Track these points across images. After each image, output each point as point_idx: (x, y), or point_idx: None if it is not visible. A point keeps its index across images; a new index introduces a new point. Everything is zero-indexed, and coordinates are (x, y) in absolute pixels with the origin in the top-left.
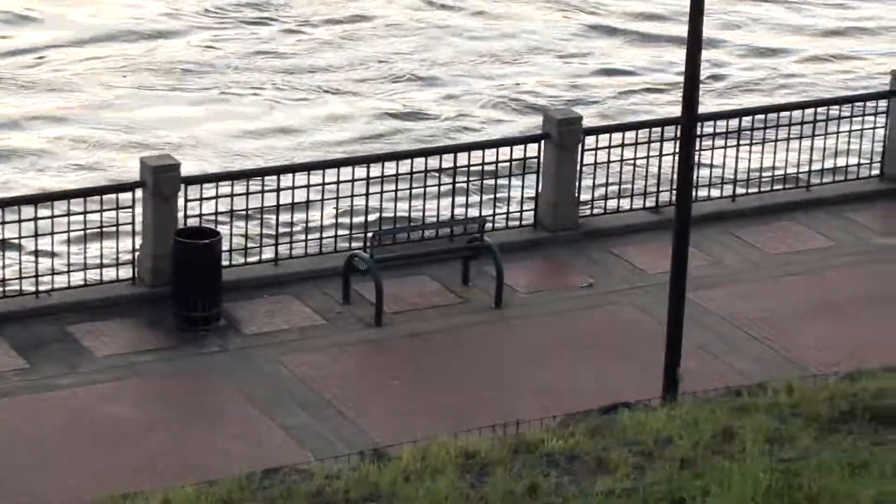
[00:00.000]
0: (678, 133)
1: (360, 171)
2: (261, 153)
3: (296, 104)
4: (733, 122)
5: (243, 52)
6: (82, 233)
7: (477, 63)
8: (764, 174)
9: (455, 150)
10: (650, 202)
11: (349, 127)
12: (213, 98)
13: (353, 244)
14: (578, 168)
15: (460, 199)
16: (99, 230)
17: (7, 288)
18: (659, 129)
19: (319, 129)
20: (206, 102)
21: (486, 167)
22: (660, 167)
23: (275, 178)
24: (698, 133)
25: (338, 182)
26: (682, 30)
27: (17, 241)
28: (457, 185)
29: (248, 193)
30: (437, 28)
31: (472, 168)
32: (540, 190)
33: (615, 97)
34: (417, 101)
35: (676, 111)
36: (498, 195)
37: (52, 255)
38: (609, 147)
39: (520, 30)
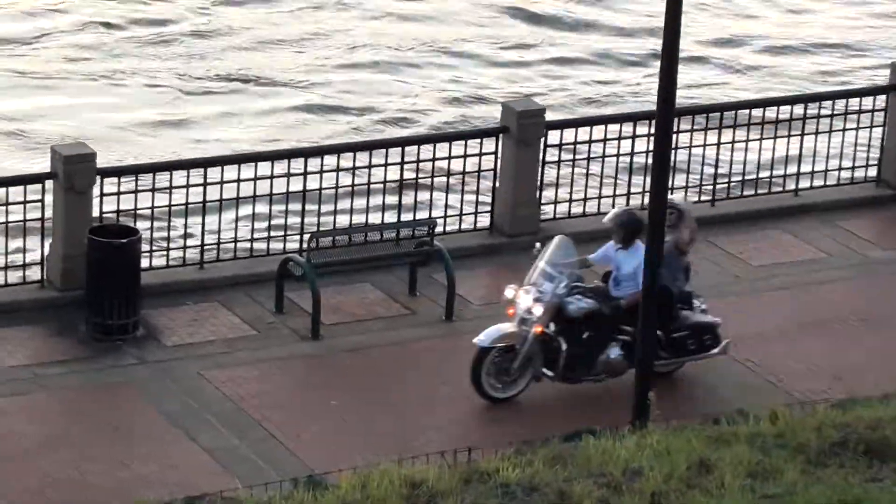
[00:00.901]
0: (653, 129)
1: (297, 166)
2: (178, 146)
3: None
4: (713, 118)
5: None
6: None
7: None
8: (747, 176)
9: (403, 143)
10: (620, 205)
11: (279, 119)
12: (109, 86)
13: (288, 247)
14: (540, 166)
15: (408, 200)
16: (3, 227)
17: None
18: (631, 124)
19: (241, 122)
20: (105, 92)
21: (438, 164)
22: (631, 167)
23: (201, 171)
24: (675, 129)
25: (271, 177)
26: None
27: None
28: (404, 183)
29: (170, 188)
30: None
31: (421, 164)
32: (496, 190)
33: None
34: (354, 89)
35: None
36: (450, 195)
37: None
38: (574, 143)
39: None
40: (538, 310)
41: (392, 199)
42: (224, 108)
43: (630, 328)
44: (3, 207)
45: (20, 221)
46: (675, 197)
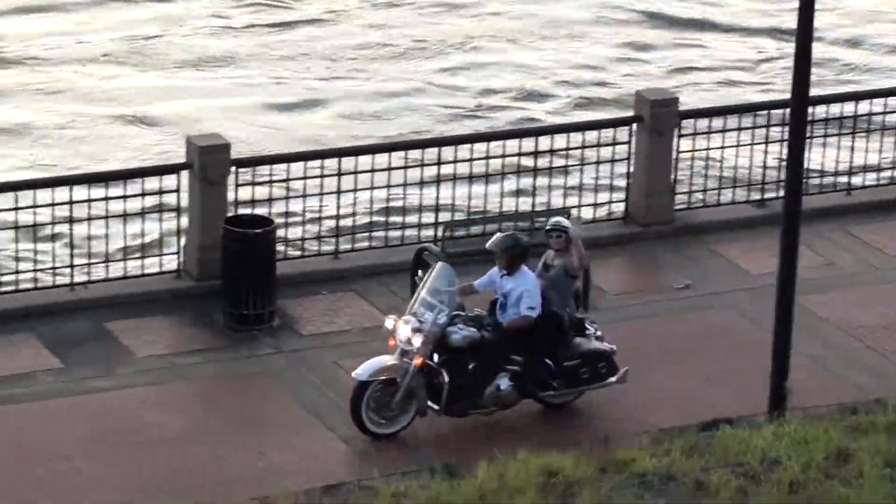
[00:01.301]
0: (787, 118)
1: (431, 155)
2: (315, 137)
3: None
4: (848, 107)
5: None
6: (122, 220)
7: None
8: (883, 164)
9: (537, 133)
10: (755, 195)
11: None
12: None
13: (423, 236)
14: (674, 156)
15: (542, 189)
16: (140, 217)
17: (39, 279)
18: (765, 112)
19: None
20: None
21: (572, 153)
22: (766, 156)
23: (335, 161)
24: (810, 118)
25: (405, 167)
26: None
27: (49, 227)
28: (538, 172)
29: (305, 178)
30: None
31: (555, 154)
32: (631, 180)
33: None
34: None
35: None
36: (584, 185)
37: (89, 243)
38: (709, 133)
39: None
40: (418, 340)
41: (526, 189)
42: (345, 101)
43: (519, 357)
44: (140, 198)
45: (156, 212)
46: (563, 220)
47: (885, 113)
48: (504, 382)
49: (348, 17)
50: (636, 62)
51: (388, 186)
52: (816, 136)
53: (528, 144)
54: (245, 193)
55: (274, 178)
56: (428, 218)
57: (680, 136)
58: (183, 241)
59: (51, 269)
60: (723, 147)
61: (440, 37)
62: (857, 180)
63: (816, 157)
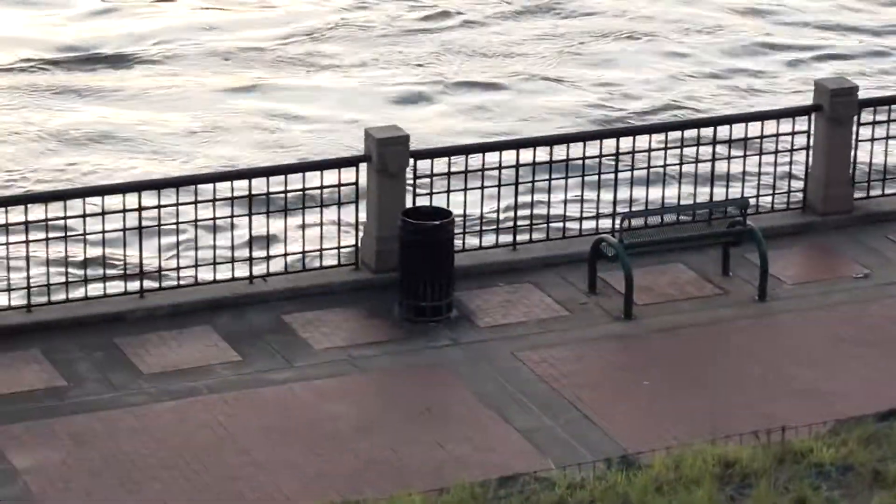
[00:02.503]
0: None
1: (606, 147)
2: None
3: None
4: None
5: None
6: (300, 212)
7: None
8: None
9: (715, 122)
10: None
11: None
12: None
13: (600, 228)
14: (854, 144)
15: (720, 179)
16: (319, 210)
17: (218, 273)
18: None
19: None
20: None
21: (750, 143)
22: None
23: (513, 152)
24: None
25: (583, 158)
26: None
27: (229, 220)
28: (716, 162)
29: (483, 169)
30: None
31: (733, 143)
32: (810, 169)
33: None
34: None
35: None
36: (763, 175)
37: (268, 236)
38: (888, 121)
39: None
40: None
41: (704, 180)
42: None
43: None
44: (319, 191)
45: (336, 204)
46: None
47: None
48: None
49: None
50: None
51: (566, 177)
52: None
53: (706, 134)
54: (423, 186)
55: (452, 170)
56: (606, 209)
57: (860, 124)
58: (361, 233)
59: (229, 261)
60: None
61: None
62: None
63: None
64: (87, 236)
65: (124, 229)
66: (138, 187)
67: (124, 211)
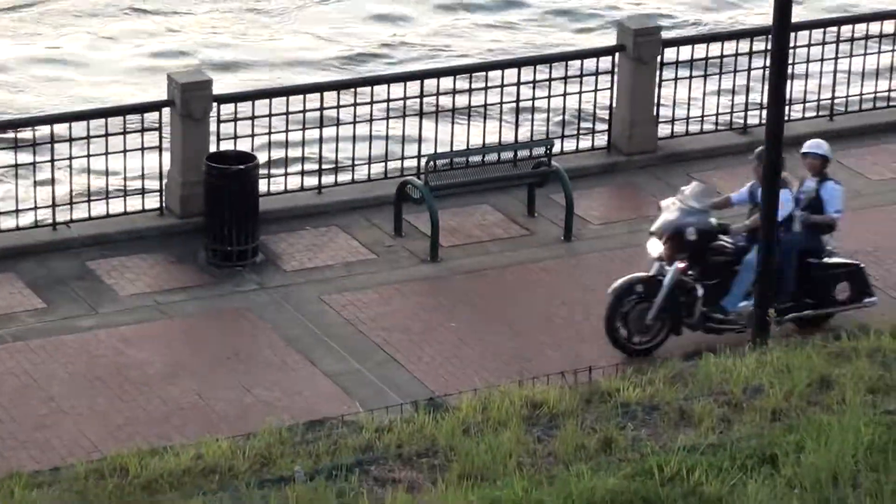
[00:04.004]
0: (769, 44)
1: (412, 89)
2: (292, 74)
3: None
4: (831, 32)
5: None
6: (104, 158)
7: None
8: (865, 91)
9: (518, 64)
10: (737, 122)
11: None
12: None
13: (405, 170)
14: (657, 84)
15: (524, 120)
16: (122, 155)
17: (21, 219)
18: (748, 40)
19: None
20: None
21: (554, 83)
22: (748, 83)
23: (317, 95)
24: (791, 44)
25: (387, 100)
26: None
27: (31, 166)
28: (521, 103)
29: (287, 113)
30: None
31: (537, 84)
32: (614, 109)
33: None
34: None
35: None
36: (567, 115)
37: (71, 182)
38: (691, 61)
39: None
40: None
41: (509, 120)
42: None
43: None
44: (122, 136)
45: (139, 150)
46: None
47: (865, 38)
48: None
49: None
50: None
51: (371, 121)
52: (799, 63)
53: (510, 75)
54: (227, 130)
55: (256, 114)
56: (411, 151)
57: (663, 64)
58: (165, 179)
59: (32, 208)
60: (705, 75)
61: None
62: (840, 106)
63: (799, 83)
64: None
65: None
66: None
67: None
